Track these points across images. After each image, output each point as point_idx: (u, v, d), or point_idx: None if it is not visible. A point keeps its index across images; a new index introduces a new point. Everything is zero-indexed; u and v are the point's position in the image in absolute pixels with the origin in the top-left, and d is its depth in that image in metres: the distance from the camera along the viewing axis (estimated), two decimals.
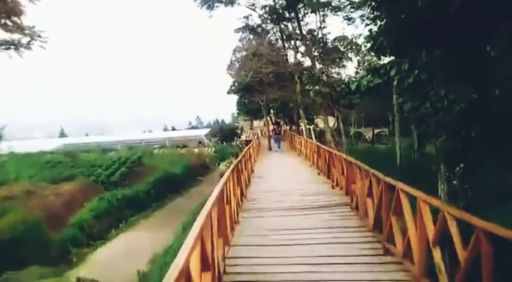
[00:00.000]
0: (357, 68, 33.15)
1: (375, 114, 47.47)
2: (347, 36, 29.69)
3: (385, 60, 34.63)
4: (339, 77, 30.69)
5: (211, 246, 3.91)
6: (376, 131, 54.33)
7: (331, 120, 32.05)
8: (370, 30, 8.83)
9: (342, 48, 29.97)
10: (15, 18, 18.11)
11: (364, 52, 32.73)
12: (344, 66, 32.05)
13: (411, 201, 4.79)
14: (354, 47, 29.89)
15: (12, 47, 18.83)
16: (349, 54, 30.83)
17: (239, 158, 10.09)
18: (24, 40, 19.08)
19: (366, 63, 33.82)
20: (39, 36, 19.12)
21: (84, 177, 28.80)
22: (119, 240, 21.35)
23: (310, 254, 5.58)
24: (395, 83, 6.77)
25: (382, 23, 7.98)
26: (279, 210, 8.31)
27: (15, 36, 18.70)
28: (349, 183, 8.26)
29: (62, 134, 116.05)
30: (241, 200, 8.91)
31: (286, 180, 12.52)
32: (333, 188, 10.59)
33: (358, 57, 31.94)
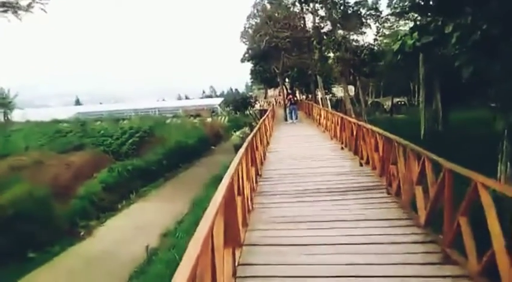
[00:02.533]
0: (376, 35, 31.37)
1: (395, 82, 45.37)
2: (367, 1, 27.67)
3: (408, 25, 32.78)
4: (361, 43, 28.92)
5: (211, 257, 2.73)
6: (395, 100, 52.40)
7: (349, 89, 30.36)
8: None
9: (362, 13, 27.98)
10: None
11: (384, 18, 30.71)
12: (363, 32, 30.31)
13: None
14: (373, 14, 28.06)
15: (10, 9, 17.55)
16: (368, 21, 29.00)
17: (254, 132, 8.78)
18: (24, 2, 17.82)
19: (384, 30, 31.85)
20: None
21: (94, 147, 28.08)
22: (129, 212, 20.67)
23: (343, 260, 4.37)
24: (453, 40, 5.38)
25: None
26: (300, 195, 7.07)
27: None
28: (386, 164, 6.92)
29: (78, 103, 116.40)
30: (256, 181, 7.69)
31: (306, 156, 11.17)
32: (361, 165, 9.27)
33: (377, 24, 30.16)
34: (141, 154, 28.41)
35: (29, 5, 18.51)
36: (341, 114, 13.71)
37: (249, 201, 5.65)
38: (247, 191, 5.41)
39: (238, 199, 4.39)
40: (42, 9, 18.84)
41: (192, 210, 17.65)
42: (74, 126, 34.19)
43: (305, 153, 11.66)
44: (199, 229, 2.63)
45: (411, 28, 6.48)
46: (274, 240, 5.04)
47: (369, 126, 8.60)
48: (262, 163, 9.74)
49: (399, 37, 6.72)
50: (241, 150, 6.03)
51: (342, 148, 12.11)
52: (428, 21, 6.40)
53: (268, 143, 13.86)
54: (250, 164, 6.83)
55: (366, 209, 6.06)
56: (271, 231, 5.33)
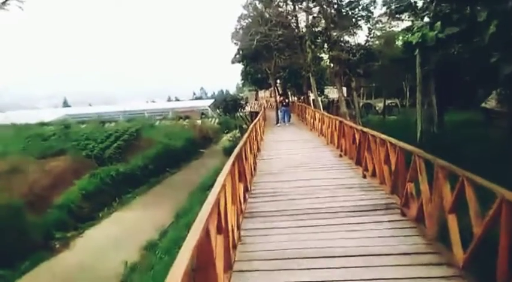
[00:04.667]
0: (367, 36, 30.64)
1: (387, 84, 44.58)
2: (359, 2, 26.83)
3: (401, 26, 32.05)
4: (352, 44, 28.09)
5: None
6: (387, 102, 51.76)
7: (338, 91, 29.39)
8: None
9: (355, 14, 27.13)
10: None
11: (376, 19, 29.91)
12: (355, 33, 29.57)
13: None
14: (364, 15, 27.31)
15: None
16: (360, 22, 28.21)
17: (243, 140, 7.52)
18: None
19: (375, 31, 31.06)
20: None
21: (76, 151, 26.58)
22: (110, 222, 19.38)
23: None
24: (492, 30, 4.33)
25: None
26: (296, 217, 5.82)
27: None
28: (401, 179, 5.73)
29: (66, 104, 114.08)
30: (245, 199, 6.49)
31: (302, 165, 9.95)
32: (364, 177, 8.11)
33: (368, 25, 29.50)
34: (126, 158, 27.03)
35: (4, 3, 17.38)
36: (339, 118, 12.51)
37: (235, 235, 4.43)
38: (232, 223, 4.21)
39: (219, 239, 3.22)
40: (19, 6, 17.67)
41: (175, 223, 16.41)
42: (57, 129, 32.64)
43: (300, 162, 10.45)
44: None
45: (432, 17, 5.38)
46: None
47: (375, 133, 7.39)
48: (252, 174, 8.53)
49: (415, 29, 5.61)
50: (228, 165, 4.83)
51: (341, 155, 10.93)
52: (452, 10, 5.31)
53: (259, 149, 12.64)
54: (237, 181, 5.63)
55: (378, 237, 4.88)
56: (263, 276, 4.13)
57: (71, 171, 22.40)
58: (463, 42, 5.49)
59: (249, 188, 7.26)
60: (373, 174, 7.66)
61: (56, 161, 23.28)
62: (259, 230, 5.39)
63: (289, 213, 6.08)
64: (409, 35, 29.11)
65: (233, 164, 5.10)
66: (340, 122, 11.53)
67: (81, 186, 20.92)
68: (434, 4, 5.74)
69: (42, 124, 36.82)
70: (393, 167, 6.09)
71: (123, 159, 26.93)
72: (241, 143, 7.30)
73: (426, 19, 22.65)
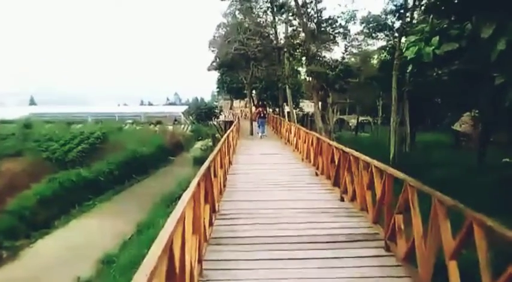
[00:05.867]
0: (343, 53, 30.89)
1: (362, 100, 45.04)
2: (337, 19, 26.94)
3: (377, 44, 32.45)
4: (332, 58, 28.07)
5: None
6: (360, 119, 52.34)
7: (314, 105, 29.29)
8: None
9: (333, 30, 27.16)
10: None
11: (353, 36, 30.13)
12: (331, 49, 29.68)
13: None
14: (341, 32, 27.48)
15: None
16: (337, 39, 28.32)
17: (213, 155, 6.68)
18: None
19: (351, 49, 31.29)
20: None
21: (36, 152, 25.00)
22: (66, 230, 18.10)
23: None
24: (501, 47, 3.87)
25: None
26: (266, 246, 5.07)
27: None
28: (387, 209, 5.04)
29: (32, 103, 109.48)
30: (211, 223, 5.71)
31: (275, 183, 9.22)
32: (342, 200, 7.49)
33: (345, 42, 29.79)
34: (90, 163, 25.64)
35: None
36: (316, 134, 11.93)
37: (194, 272, 3.65)
38: (191, 260, 3.43)
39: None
40: None
41: (135, 237, 15.34)
42: (17, 128, 30.73)
43: (273, 179, 9.74)
44: None
45: (429, 32, 4.88)
46: None
47: (357, 154, 6.76)
48: (222, 191, 7.75)
49: (408, 44, 5.10)
50: (191, 187, 4.05)
51: (317, 174, 10.32)
52: (449, 25, 4.83)
53: (230, 162, 11.87)
54: (203, 203, 4.87)
55: (360, 277, 4.21)
56: None
57: (27, 174, 20.92)
58: (462, 61, 5.03)
59: (217, 209, 6.48)
60: (353, 199, 7.02)
61: (11, 163, 21.71)
62: (223, 262, 4.62)
63: (259, 240, 5.32)
64: (385, 53, 29.19)
65: (198, 185, 4.33)
66: (318, 138, 10.93)
67: (37, 190, 19.51)
68: (431, 17, 5.25)
69: (3, 122, 34.68)
70: (378, 194, 5.46)
71: (87, 163, 25.55)
72: (210, 157, 6.54)
73: (403, 39, 23.03)
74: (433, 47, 4.80)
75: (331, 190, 8.47)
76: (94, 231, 17.48)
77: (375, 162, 5.69)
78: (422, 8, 19.77)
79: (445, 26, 4.92)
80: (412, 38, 5.30)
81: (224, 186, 8.41)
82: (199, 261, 4.07)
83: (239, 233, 5.60)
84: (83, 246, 15.73)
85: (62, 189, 20.58)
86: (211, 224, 5.58)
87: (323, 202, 7.46)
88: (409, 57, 5.15)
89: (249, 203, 7.35)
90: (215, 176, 6.66)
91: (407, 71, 5.65)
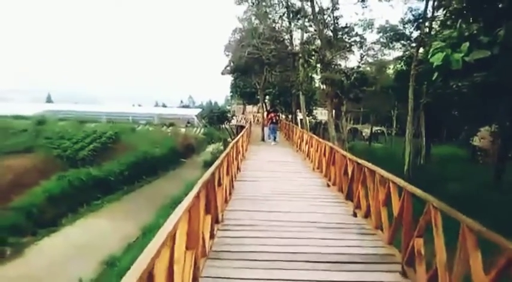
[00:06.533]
0: (359, 62, 30.64)
1: (377, 110, 44.38)
2: (353, 27, 26.77)
3: (393, 54, 31.99)
4: (347, 66, 27.78)
5: None
6: (374, 129, 51.68)
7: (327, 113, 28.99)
8: None
9: (349, 38, 26.93)
10: None
11: (369, 45, 29.82)
12: (347, 58, 29.43)
13: None
14: (358, 40, 27.31)
15: None
16: (352, 47, 28.11)
17: (219, 162, 6.38)
18: None
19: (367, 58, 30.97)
20: None
21: (47, 149, 25.07)
22: (72, 229, 18.00)
23: None
24: None
25: None
26: (273, 266, 4.69)
27: None
28: (405, 231, 4.62)
29: (49, 100, 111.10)
30: (212, 236, 5.39)
31: (284, 192, 8.83)
32: (355, 215, 7.11)
33: (361, 51, 29.53)
34: (101, 162, 25.63)
35: None
36: (329, 144, 11.56)
37: None
38: (182, 280, 3.13)
39: None
40: None
41: (140, 240, 15.12)
42: (29, 124, 30.97)
43: (282, 189, 9.38)
44: None
45: (457, 38, 4.52)
46: None
47: (373, 167, 6.34)
48: (226, 201, 7.44)
49: (433, 50, 4.73)
50: (189, 197, 3.75)
51: (328, 185, 9.94)
52: (478, 31, 4.47)
53: (239, 169, 11.57)
54: (203, 214, 4.56)
55: None
56: None
57: (37, 171, 20.96)
58: (494, 70, 4.66)
59: (220, 219, 6.17)
60: (367, 215, 6.62)
61: (21, 159, 21.78)
62: (222, 281, 4.30)
63: (261, 256, 4.95)
64: (401, 63, 28.62)
65: (197, 195, 4.02)
66: (331, 148, 10.54)
67: (46, 188, 19.51)
68: (459, 22, 4.88)
69: (17, 117, 35.01)
70: (395, 213, 5.07)
71: (97, 162, 25.55)
72: (216, 163, 6.24)
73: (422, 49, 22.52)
74: (462, 54, 4.44)
75: (344, 204, 8.08)
76: (101, 231, 17.35)
77: (394, 178, 5.29)
78: (441, 18, 19.33)
79: (474, 32, 4.57)
80: (438, 44, 4.93)
81: (230, 194, 8.09)
82: (195, 279, 3.76)
83: (241, 247, 5.25)
84: (88, 245, 15.60)
85: (71, 187, 20.55)
86: (212, 236, 5.26)
87: (334, 216, 7.07)
88: (435, 64, 4.77)
89: (255, 214, 7.01)
90: (220, 184, 6.35)
91: (433, 79, 5.22)
